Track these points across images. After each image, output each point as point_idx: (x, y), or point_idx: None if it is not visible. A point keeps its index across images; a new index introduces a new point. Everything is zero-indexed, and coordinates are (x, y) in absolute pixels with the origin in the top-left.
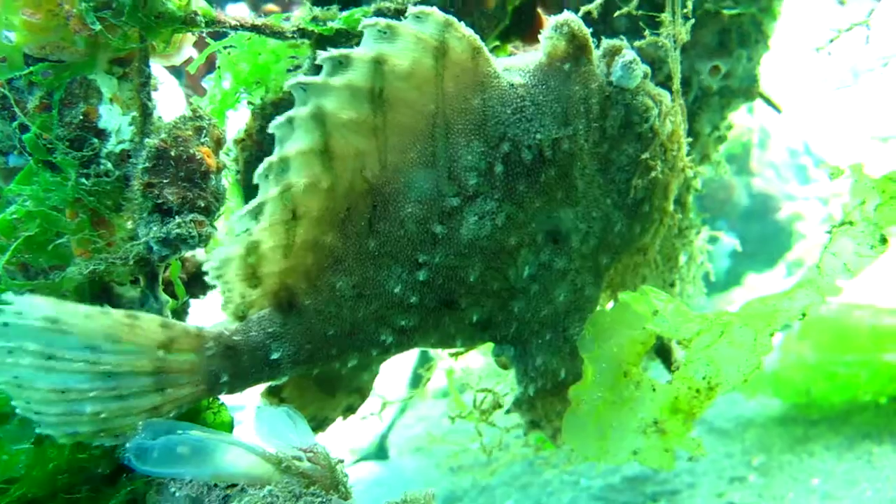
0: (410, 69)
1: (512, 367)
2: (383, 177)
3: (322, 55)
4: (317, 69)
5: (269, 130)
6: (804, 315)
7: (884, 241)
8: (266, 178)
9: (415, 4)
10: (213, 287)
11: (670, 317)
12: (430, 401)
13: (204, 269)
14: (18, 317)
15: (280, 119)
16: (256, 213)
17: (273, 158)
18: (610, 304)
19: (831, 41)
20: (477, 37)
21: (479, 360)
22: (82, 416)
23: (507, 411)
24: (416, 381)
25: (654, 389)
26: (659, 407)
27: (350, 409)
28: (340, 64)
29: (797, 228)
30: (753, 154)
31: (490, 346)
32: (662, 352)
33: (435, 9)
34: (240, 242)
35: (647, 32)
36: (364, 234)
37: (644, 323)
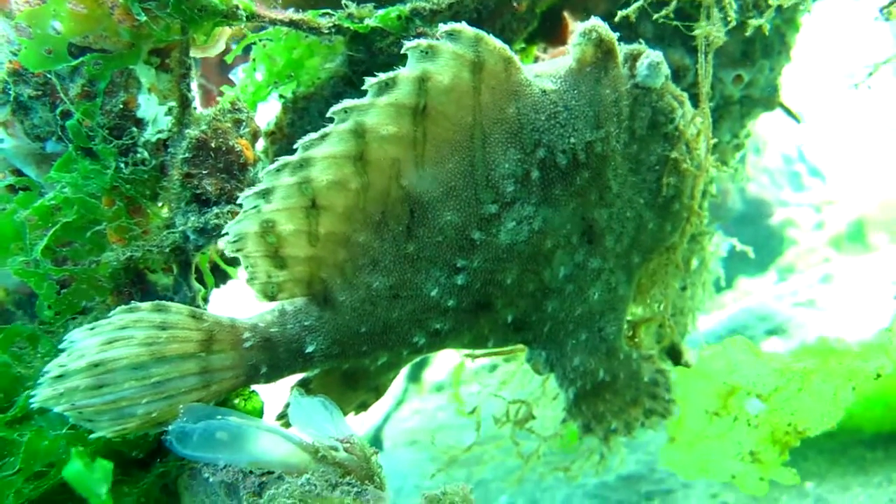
0: (451, 84)
1: (545, 372)
2: (421, 185)
3: (369, 81)
4: (350, 64)
5: (295, 146)
6: (878, 376)
7: None
8: (277, 172)
9: (449, 7)
10: (232, 278)
11: (749, 371)
12: (425, 394)
13: (220, 243)
14: (62, 381)
15: (312, 135)
16: (265, 195)
17: (291, 159)
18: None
19: (870, 75)
20: (507, 47)
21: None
22: (133, 418)
23: (563, 420)
24: (414, 374)
25: (749, 424)
26: (755, 440)
27: (363, 406)
28: (387, 85)
29: (789, 234)
30: (749, 159)
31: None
32: (673, 353)
33: (465, 25)
34: (250, 218)
35: (700, 42)
36: (402, 238)
37: (723, 378)
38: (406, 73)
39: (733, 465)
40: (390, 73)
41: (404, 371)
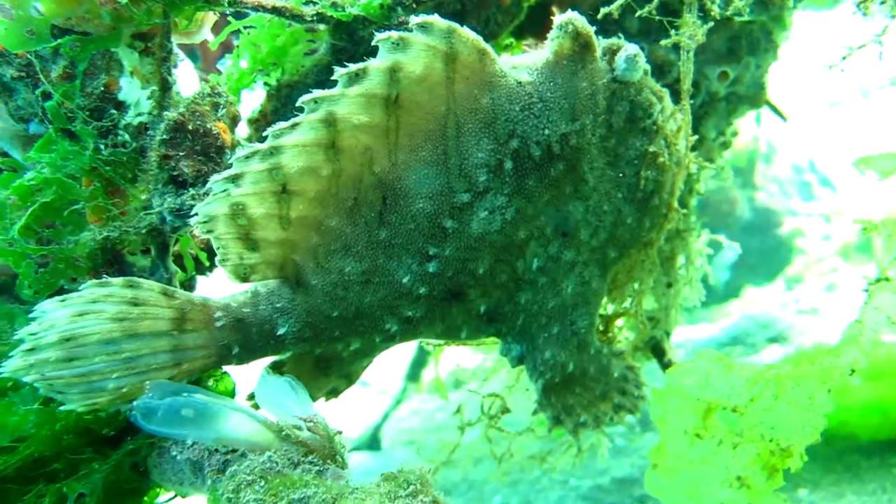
0: (423, 74)
1: (516, 365)
2: (393, 173)
3: (339, 71)
4: (334, 52)
5: (265, 133)
6: (853, 371)
7: None
8: (247, 159)
9: None
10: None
11: (721, 384)
12: (424, 394)
13: (191, 222)
14: (33, 353)
15: (282, 124)
16: (234, 179)
17: (261, 146)
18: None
19: (844, 59)
20: (480, 38)
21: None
22: (103, 392)
23: (534, 412)
24: (413, 373)
25: (734, 447)
26: (741, 464)
27: (333, 393)
28: (357, 76)
29: (798, 244)
30: (758, 168)
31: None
32: (657, 350)
33: (436, 17)
34: (220, 201)
35: (672, 34)
36: (375, 225)
37: (696, 393)
38: (377, 64)
39: (722, 492)
40: (360, 64)
41: (403, 370)
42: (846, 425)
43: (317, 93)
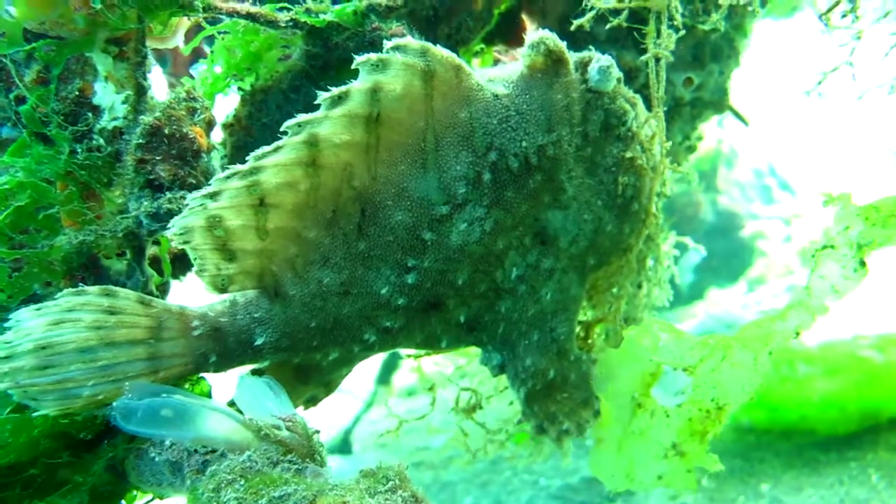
0: (403, 92)
1: (497, 374)
2: (373, 187)
3: (322, 95)
4: (308, 58)
5: (248, 158)
6: (798, 334)
7: (863, 264)
8: (227, 178)
9: (405, 3)
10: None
11: (673, 347)
12: (395, 398)
13: (167, 234)
14: (7, 361)
15: (265, 148)
16: (212, 196)
17: (241, 167)
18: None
19: (819, 83)
20: (454, 55)
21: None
22: (78, 399)
23: (519, 422)
24: (384, 377)
25: (667, 416)
26: (675, 431)
27: (312, 401)
28: (339, 98)
29: (759, 246)
30: (721, 173)
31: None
32: None
33: (409, 38)
34: (196, 214)
35: (651, 48)
36: (353, 237)
37: (649, 355)
38: (358, 86)
39: (658, 465)
40: (342, 87)
41: (374, 374)
42: (805, 420)
43: (300, 117)
